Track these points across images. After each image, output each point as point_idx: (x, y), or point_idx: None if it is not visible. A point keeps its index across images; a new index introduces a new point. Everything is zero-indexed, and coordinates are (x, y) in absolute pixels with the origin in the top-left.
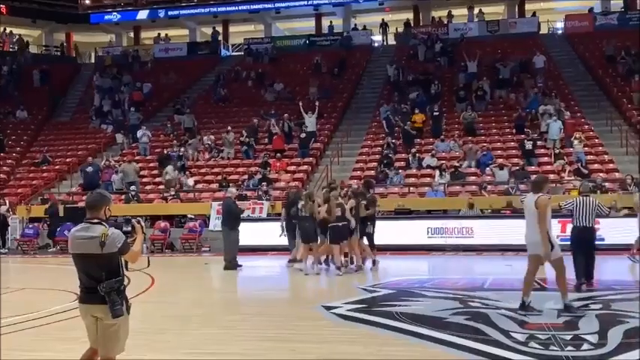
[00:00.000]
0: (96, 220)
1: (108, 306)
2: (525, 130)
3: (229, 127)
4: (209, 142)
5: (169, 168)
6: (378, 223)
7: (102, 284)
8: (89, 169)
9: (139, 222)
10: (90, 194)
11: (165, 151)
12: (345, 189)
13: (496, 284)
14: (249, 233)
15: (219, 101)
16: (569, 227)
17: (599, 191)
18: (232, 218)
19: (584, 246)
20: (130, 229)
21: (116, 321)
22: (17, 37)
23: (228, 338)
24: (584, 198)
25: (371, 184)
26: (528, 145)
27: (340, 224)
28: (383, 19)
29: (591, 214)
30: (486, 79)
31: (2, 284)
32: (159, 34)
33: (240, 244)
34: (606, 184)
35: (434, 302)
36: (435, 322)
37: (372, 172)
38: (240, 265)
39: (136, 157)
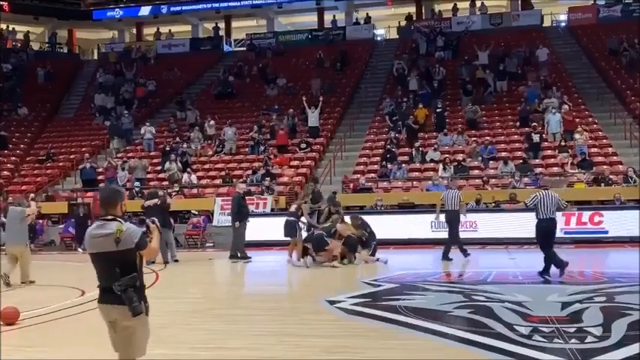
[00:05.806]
0: (110, 217)
1: (126, 305)
2: (532, 123)
3: (228, 122)
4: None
5: (167, 164)
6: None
7: (117, 282)
8: (87, 166)
9: (153, 222)
10: (103, 190)
11: (167, 147)
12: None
13: (500, 278)
14: (253, 228)
15: (223, 96)
16: (534, 222)
17: (603, 184)
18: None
19: (550, 237)
20: (145, 229)
21: (132, 322)
22: (16, 33)
23: (233, 333)
24: (546, 192)
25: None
26: (535, 138)
27: (291, 219)
28: (366, 14)
29: (554, 206)
30: (489, 72)
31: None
32: (157, 29)
33: (245, 239)
34: (611, 176)
35: (438, 296)
36: (439, 315)
37: (376, 167)
38: (250, 257)
39: (141, 154)
